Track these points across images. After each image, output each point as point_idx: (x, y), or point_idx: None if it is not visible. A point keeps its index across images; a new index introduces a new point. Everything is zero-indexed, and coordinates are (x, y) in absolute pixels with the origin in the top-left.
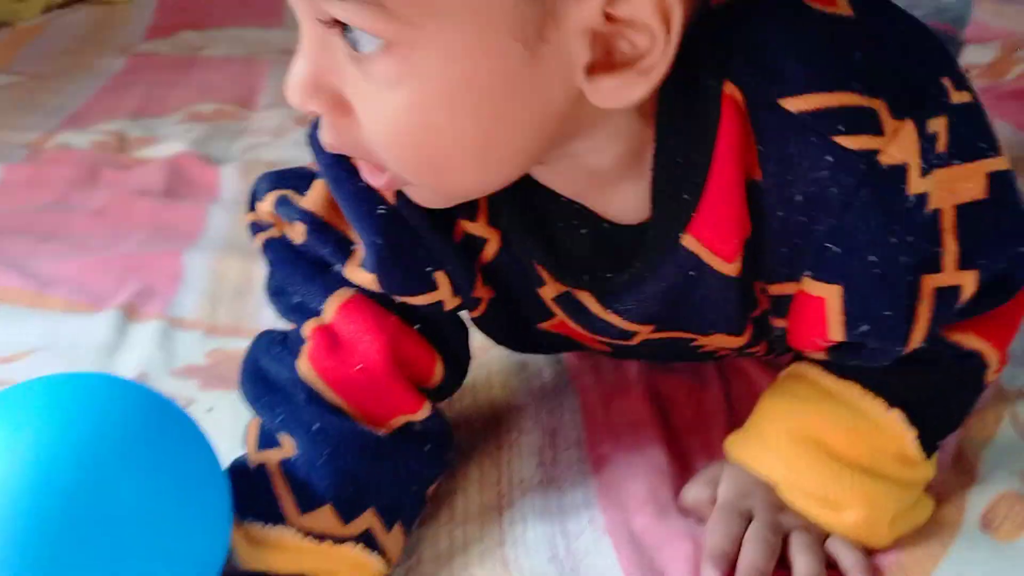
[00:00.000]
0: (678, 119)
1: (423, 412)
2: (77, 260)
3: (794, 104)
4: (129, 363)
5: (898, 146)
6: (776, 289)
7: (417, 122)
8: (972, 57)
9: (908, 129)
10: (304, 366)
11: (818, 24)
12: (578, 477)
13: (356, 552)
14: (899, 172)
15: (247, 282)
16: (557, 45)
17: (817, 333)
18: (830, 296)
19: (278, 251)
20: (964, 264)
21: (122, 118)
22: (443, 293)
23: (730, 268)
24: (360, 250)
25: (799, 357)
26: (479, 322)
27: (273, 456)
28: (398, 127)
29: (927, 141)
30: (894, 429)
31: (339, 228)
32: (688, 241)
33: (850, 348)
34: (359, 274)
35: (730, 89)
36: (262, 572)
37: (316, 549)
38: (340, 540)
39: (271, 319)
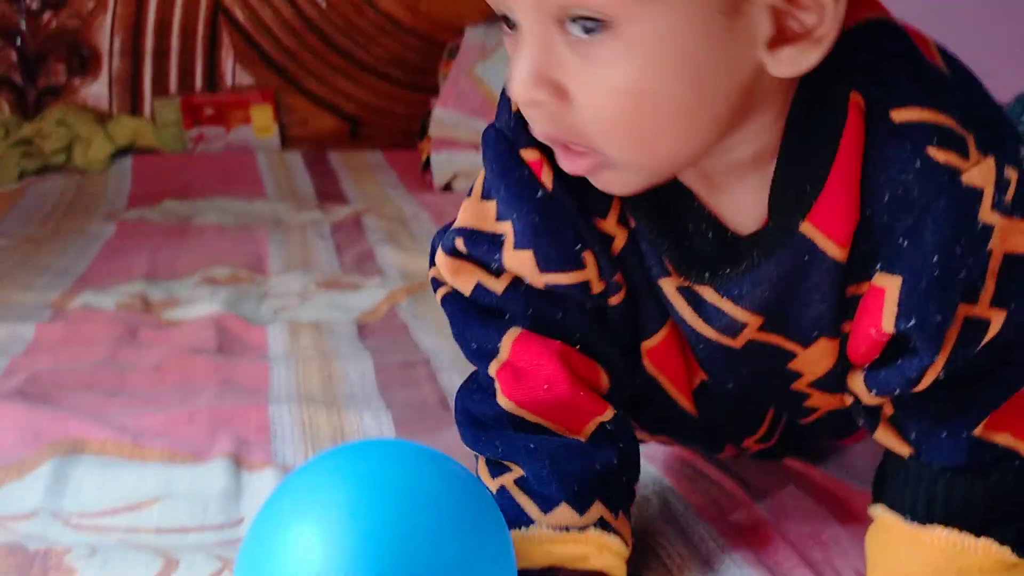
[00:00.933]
0: (809, 119)
1: (609, 412)
2: (160, 414)
3: (899, 115)
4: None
5: (979, 172)
6: (853, 289)
7: (635, 92)
8: None
9: (989, 163)
10: (503, 401)
11: (927, 65)
12: None
13: (598, 535)
14: (976, 194)
15: (338, 430)
16: (748, 18)
17: (873, 323)
18: (891, 287)
19: (452, 304)
20: (995, 302)
21: (137, 280)
22: (590, 272)
23: (840, 253)
24: (511, 236)
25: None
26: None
27: (508, 478)
28: (617, 100)
29: (1002, 180)
30: (989, 551)
31: (487, 230)
32: (806, 228)
33: (892, 355)
34: (515, 255)
35: (855, 97)
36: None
37: (566, 538)
38: (582, 528)
39: None
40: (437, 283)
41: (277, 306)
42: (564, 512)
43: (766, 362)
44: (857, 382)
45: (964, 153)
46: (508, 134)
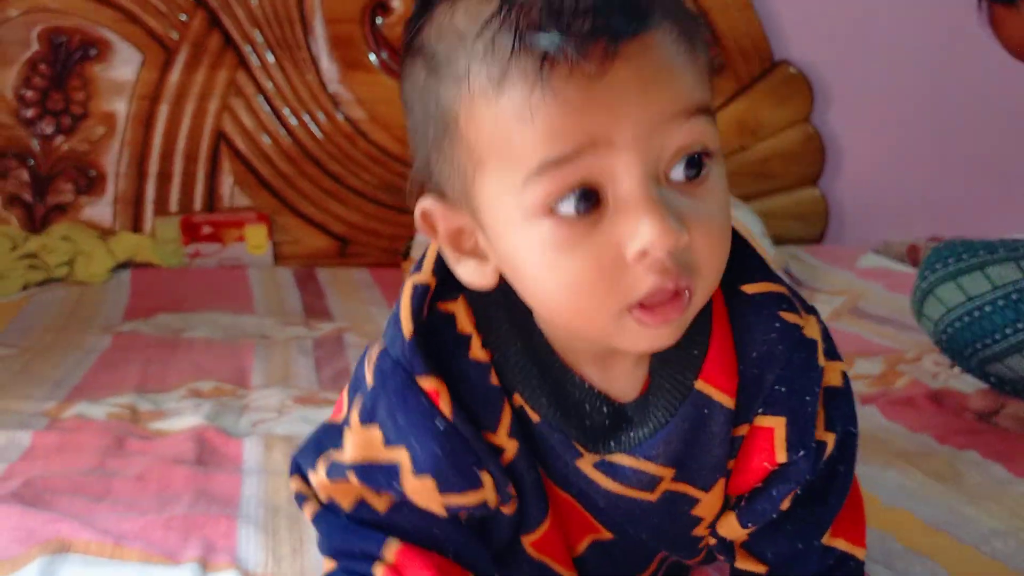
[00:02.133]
0: None
1: None
2: (137, 520)
3: (750, 288)
4: None
5: (811, 328)
6: (736, 431)
7: (727, 215)
8: (862, 368)
9: (813, 320)
10: None
11: (750, 247)
12: None
13: None
14: (814, 345)
15: (298, 539)
16: None
17: (767, 458)
18: (778, 426)
19: (329, 520)
20: (828, 427)
21: (127, 392)
22: (487, 491)
23: (730, 402)
24: (407, 462)
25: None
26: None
27: None
28: (722, 227)
29: (825, 331)
30: None
31: (379, 460)
32: (700, 385)
33: (773, 484)
34: (414, 481)
35: None
36: None
37: None
38: None
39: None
40: (302, 498)
41: (255, 419)
42: None
43: (675, 509)
44: (728, 523)
45: (798, 313)
46: (404, 363)
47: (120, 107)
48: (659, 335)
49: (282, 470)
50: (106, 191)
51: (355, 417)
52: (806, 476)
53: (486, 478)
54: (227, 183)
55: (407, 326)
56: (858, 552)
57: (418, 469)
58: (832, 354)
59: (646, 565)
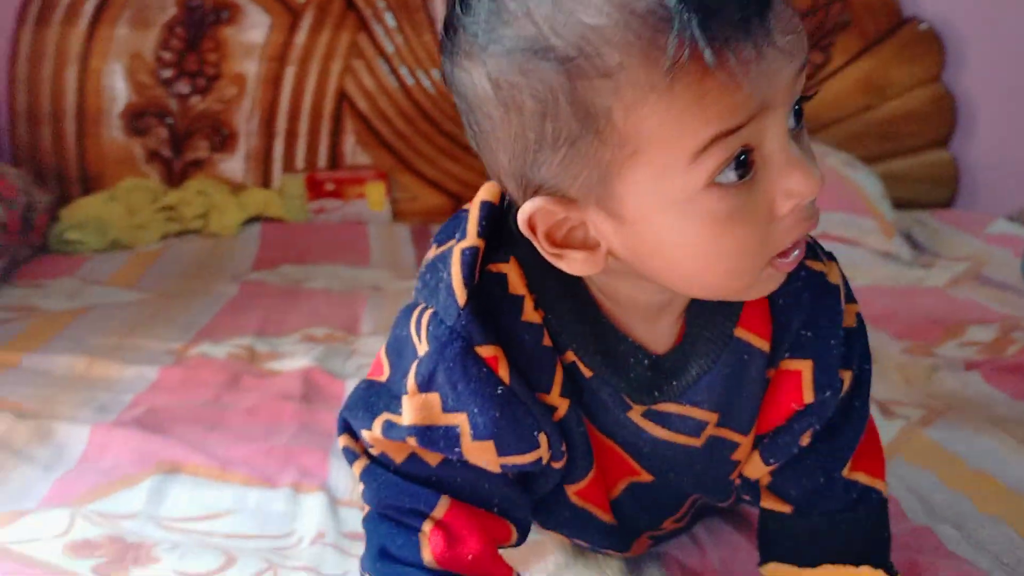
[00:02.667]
0: None
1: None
2: (244, 447)
3: None
4: (307, 527)
5: (833, 274)
6: (769, 374)
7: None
8: (975, 335)
9: (835, 265)
10: (427, 557)
11: None
12: None
13: None
14: (837, 290)
15: None
16: None
17: (794, 399)
18: (805, 369)
19: (378, 475)
20: (843, 365)
21: (248, 335)
22: (543, 451)
23: (766, 346)
24: (467, 428)
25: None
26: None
27: None
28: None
29: (844, 276)
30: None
31: (438, 424)
32: (739, 332)
33: (796, 421)
34: (475, 445)
35: None
36: None
37: None
38: None
39: None
40: (352, 454)
41: (360, 363)
42: None
43: (717, 454)
44: (752, 462)
45: (821, 259)
46: (461, 331)
47: (250, 68)
48: (783, 277)
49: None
50: (238, 148)
51: (412, 384)
52: (828, 413)
53: (542, 438)
54: (349, 142)
55: (460, 294)
56: (879, 484)
57: (477, 435)
58: (849, 297)
59: (678, 507)
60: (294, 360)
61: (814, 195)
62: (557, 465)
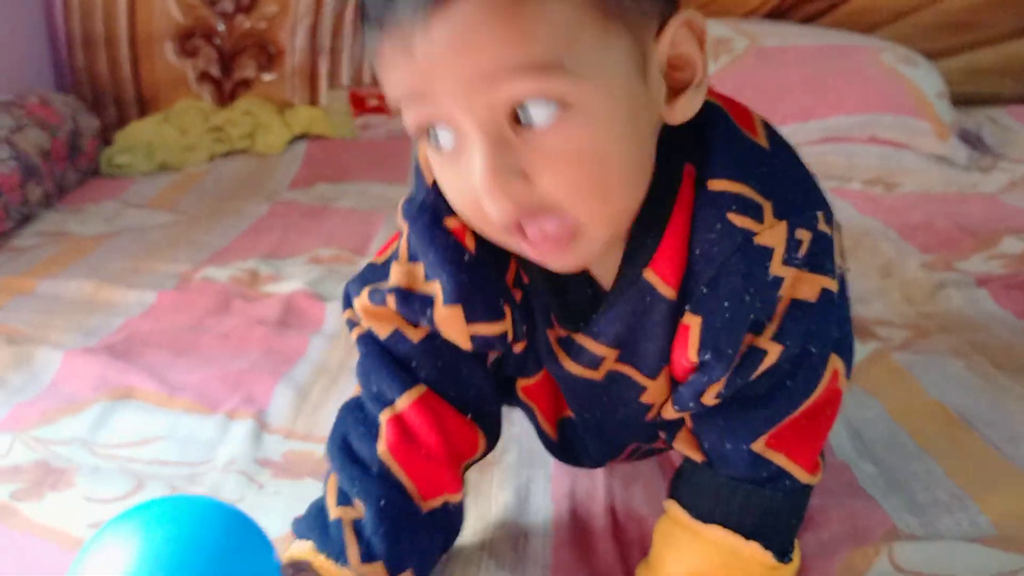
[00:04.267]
0: (656, 188)
1: (458, 496)
2: (201, 373)
3: (712, 184)
4: (224, 454)
5: (771, 235)
6: (680, 323)
7: (599, 157)
8: (1007, 247)
9: (781, 227)
10: (382, 448)
11: (743, 141)
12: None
13: None
14: (767, 253)
15: (325, 399)
16: (652, 80)
17: (684, 353)
18: (694, 325)
19: (368, 344)
20: (775, 338)
21: (256, 257)
22: (507, 324)
23: (672, 294)
24: (439, 294)
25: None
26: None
27: (347, 514)
28: (583, 168)
29: (792, 240)
30: (755, 554)
31: (417, 290)
32: (648, 274)
33: (693, 375)
34: (444, 310)
35: (689, 168)
36: None
37: None
38: None
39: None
40: (352, 324)
41: None
42: (377, 569)
43: (622, 393)
44: (667, 405)
45: (759, 218)
46: (431, 206)
47: None
48: (559, 261)
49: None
50: (284, 66)
51: (403, 253)
52: (719, 377)
53: (507, 311)
54: None
55: (427, 173)
56: (798, 472)
57: (447, 299)
58: (819, 267)
59: (617, 451)
60: (289, 283)
61: (489, 193)
62: (518, 348)
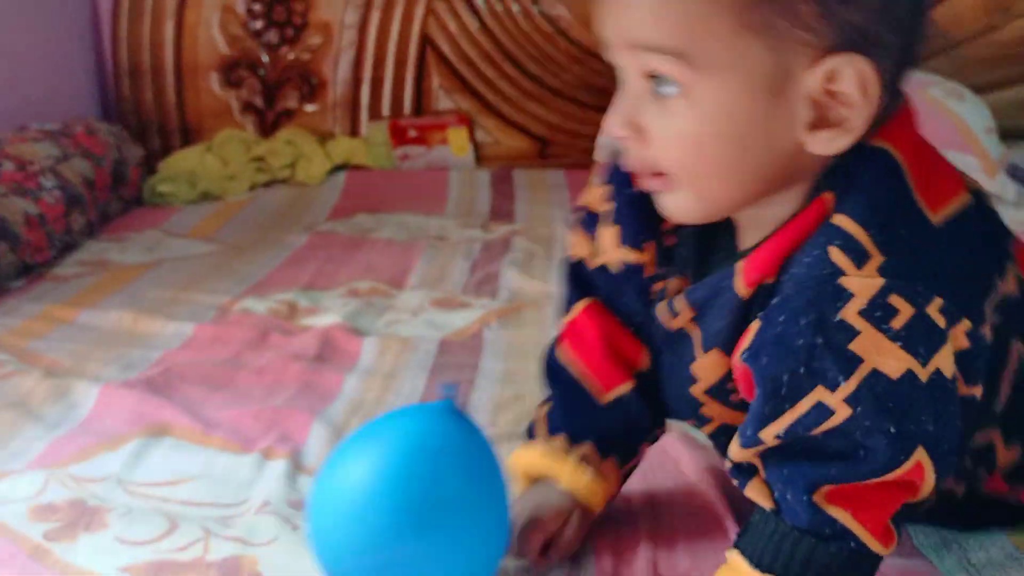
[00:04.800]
0: (791, 202)
1: (627, 387)
2: (237, 409)
3: (837, 219)
4: (259, 495)
5: (860, 283)
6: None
7: (694, 139)
8: None
9: (875, 282)
10: (559, 350)
11: (898, 199)
12: None
13: (573, 464)
14: (844, 295)
15: None
16: (790, 103)
17: (739, 349)
18: (753, 328)
19: (566, 268)
20: (848, 400)
21: (296, 288)
22: (647, 257)
23: (744, 291)
24: (610, 214)
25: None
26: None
27: (543, 408)
28: (681, 142)
29: (882, 301)
30: None
31: (595, 209)
32: (738, 265)
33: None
34: (607, 227)
35: (827, 196)
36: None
37: (551, 455)
38: (566, 453)
39: None
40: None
41: (391, 319)
42: (560, 439)
43: (681, 352)
44: (733, 441)
45: (859, 264)
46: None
47: (334, 16)
48: (663, 203)
49: (387, 370)
50: (327, 97)
51: (596, 177)
52: (758, 388)
53: (649, 247)
54: (434, 87)
55: None
56: (864, 536)
57: (613, 219)
58: (910, 347)
59: (686, 410)
60: (327, 316)
61: (608, 133)
62: (658, 285)
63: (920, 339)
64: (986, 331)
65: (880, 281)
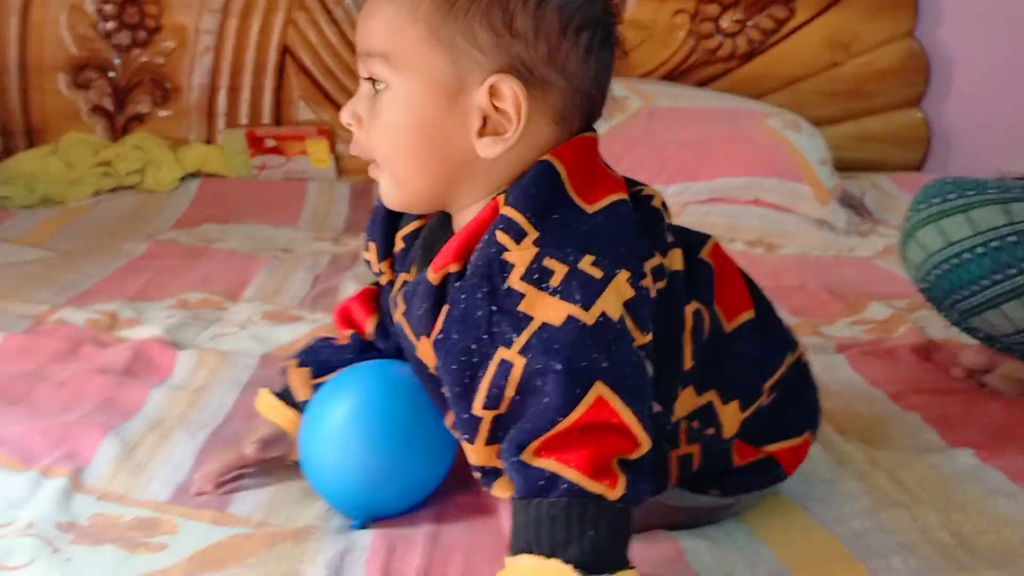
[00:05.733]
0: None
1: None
2: (26, 424)
3: (502, 209)
4: (25, 515)
5: (519, 255)
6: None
7: (392, 129)
8: (873, 312)
9: (530, 252)
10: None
11: (553, 192)
12: None
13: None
14: (508, 267)
15: (151, 457)
16: (464, 109)
17: (432, 335)
18: (442, 312)
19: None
20: (521, 351)
21: (121, 299)
22: (371, 255)
23: (434, 278)
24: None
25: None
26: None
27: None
28: (384, 130)
29: (538, 266)
30: (561, 572)
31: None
32: (436, 257)
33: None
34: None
35: (500, 197)
36: None
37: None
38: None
39: (156, 491)
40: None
41: (217, 333)
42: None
43: (406, 343)
44: (466, 449)
45: (518, 240)
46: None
47: (190, 21)
48: (380, 190)
49: (198, 385)
50: (181, 103)
51: None
52: (450, 368)
53: (372, 246)
54: (294, 97)
55: None
56: (573, 476)
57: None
58: (568, 296)
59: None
60: (147, 328)
61: (340, 118)
62: (382, 280)
63: (576, 289)
64: (648, 284)
65: (535, 250)
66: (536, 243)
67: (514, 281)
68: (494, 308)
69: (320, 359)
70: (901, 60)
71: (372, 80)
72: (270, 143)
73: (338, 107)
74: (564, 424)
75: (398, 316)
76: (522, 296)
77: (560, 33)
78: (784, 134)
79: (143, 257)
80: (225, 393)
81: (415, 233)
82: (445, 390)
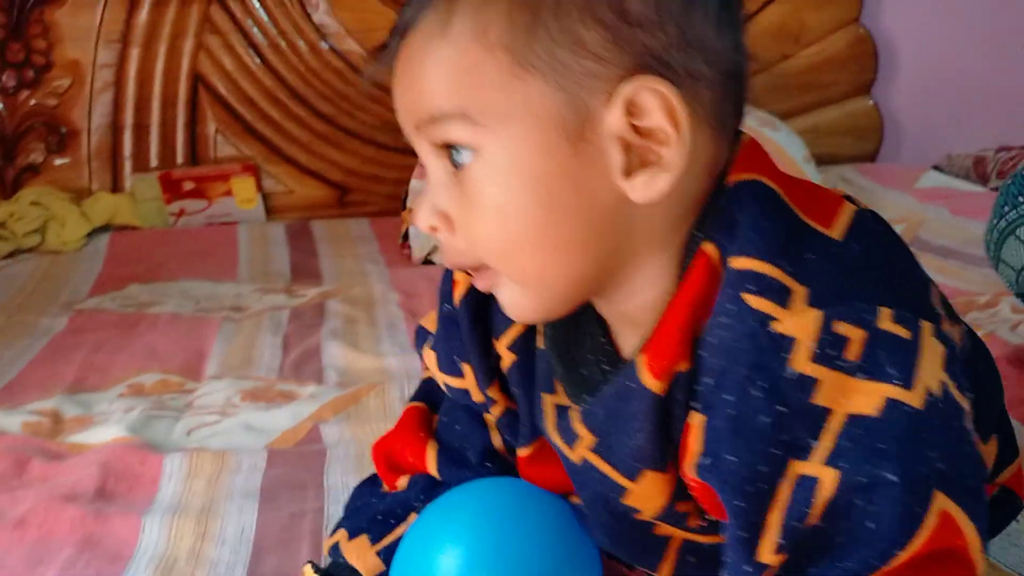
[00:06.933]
0: (660, 268)
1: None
2: None
3: (735, 263)
4: None
5: (795, 323)
6: (679, 426)
7: (498, 209)
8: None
9: (813, 316)
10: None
11: (789, 222)
12: None
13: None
14: (786, 343)
15: None
16: (595, 146)
17: (687, 460)
18: (696, 425)
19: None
20: (829, 461)
21: (59, 391)
22: (468, 382)
23: (657, 386)
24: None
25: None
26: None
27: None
28: (485, 218)
29: (829, 336)
30: None
31: (429, 328)
32: (639, 360)
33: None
34: (428, 352)
35: (708, 248)
36: None
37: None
38: None
39: None
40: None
41: (192, 424)
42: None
43: (600, 490)
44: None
45: (783, 302)
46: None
47: (85, 55)
48: (501, 305)
49: (201, 504)
50: (80, 148)
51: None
52: (735, 502)
53: (466, 370)
54: (210, 131)
55: None
56: None
57: (432, 343)
58: (877, 373)
59: (656, 553)
60: (105, 428)
61: (418, 227)
62: (493, 411)
63: (886, 360)
64: (948, 329)
65: (815, 313)
66: (813, 302)
67: (801, 363)
68: (781, 408)
69: (374, 517)
70: (849, 46)
71: (447, 155)
72: (188, 186)
73: (261, 138)
74: (903, 557)
75: (580, 453)
76: (815, 382)
77: (684, 2)
78: (764, 132)
79: (67, 332)
80: (240, 512)
81: (527, 337)
82: (725, 536)
